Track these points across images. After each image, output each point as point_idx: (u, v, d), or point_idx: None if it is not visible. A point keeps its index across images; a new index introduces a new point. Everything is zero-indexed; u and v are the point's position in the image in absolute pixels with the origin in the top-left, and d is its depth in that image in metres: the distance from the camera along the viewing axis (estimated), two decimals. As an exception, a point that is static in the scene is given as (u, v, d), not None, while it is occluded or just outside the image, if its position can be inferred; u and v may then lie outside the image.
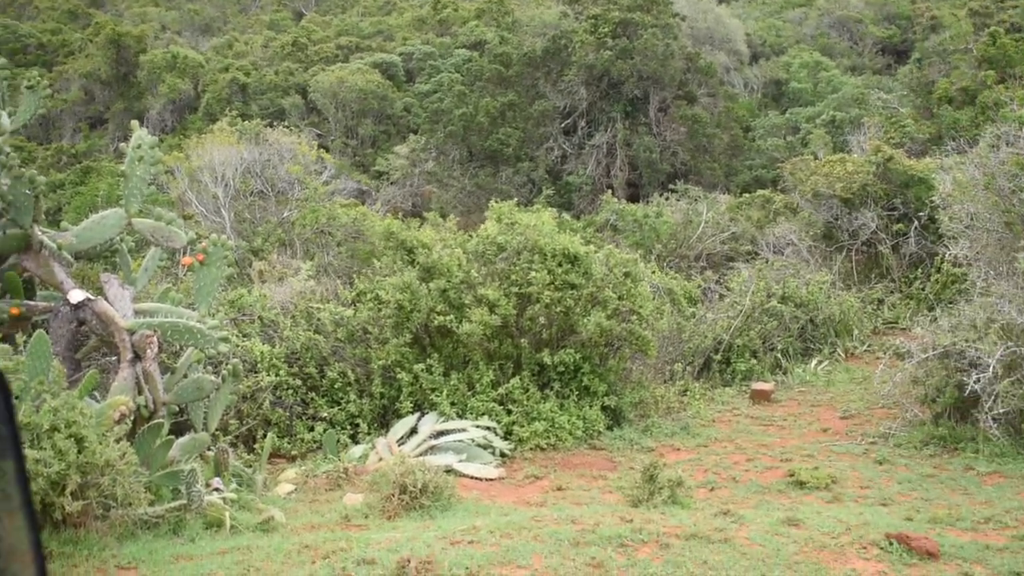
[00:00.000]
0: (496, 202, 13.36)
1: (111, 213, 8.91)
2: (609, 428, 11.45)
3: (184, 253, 10.50)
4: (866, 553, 6.10)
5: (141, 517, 6.77)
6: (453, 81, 36.58)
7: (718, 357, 14.62)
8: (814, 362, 14.90)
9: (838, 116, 30.40)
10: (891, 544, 6.16)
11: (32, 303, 8.71)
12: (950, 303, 13.56)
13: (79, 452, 6.22)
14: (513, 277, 11.56)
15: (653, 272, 15.32)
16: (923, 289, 17.03)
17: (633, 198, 27.45)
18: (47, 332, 7.83)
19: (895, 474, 9.44)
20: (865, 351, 15.55)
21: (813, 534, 6.49)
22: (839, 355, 15.30)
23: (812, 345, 15.53)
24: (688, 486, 8.29)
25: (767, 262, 17.92)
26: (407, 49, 43.71)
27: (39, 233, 8.40)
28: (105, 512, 6.52)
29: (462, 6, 49.31)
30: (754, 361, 14.63)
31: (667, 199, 23.68)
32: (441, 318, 11.30)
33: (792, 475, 9.29)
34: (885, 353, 13.70)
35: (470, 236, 12.63)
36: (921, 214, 17.76)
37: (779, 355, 14.93)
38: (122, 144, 9.37)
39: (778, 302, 15.35)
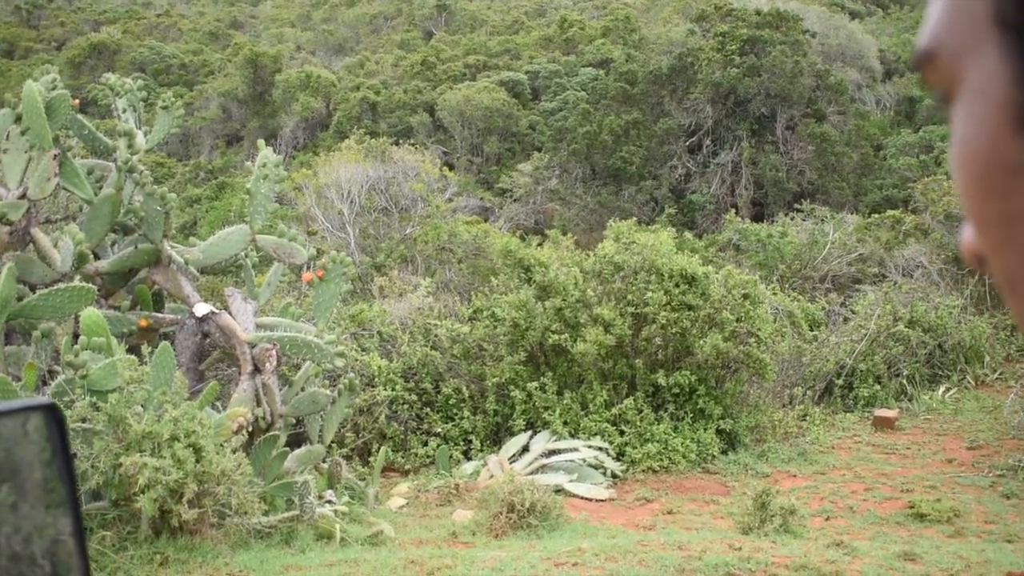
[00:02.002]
0: (616, 221, 13.32)
1: (236, 230, 9.21)
2: (724, 452, 11.27)
3: (306, 269, 10.81)
4: (986, 593, 5.85)
5: (255, 526, 6.96)
6: (578, 99, 36.65)
7: (840, 382, 14.23)
8: (942, 389, 14.36)
9: (974, 134, 29.28)
10: (1013, 584, 5.90)
11: (159, 315, 9.07)
12: (1090, 331, 12.90)
13: (197, 461, 6.44)
14: (629, 297, 11.51)
15: (774, 293, 15.03)
16: (1062, 316, 16.22)
17: (758, 217, 27.00)
18: (172, 343, 8.15)
19: (1023, 510, 9.03)
20: (996, 379, 14.89)
21: (930, 570, 6.25)
22: (968, 383, 14.69)
23: (940, 372, 14.96)
24: (802, 515, 8.08)
25: (895, 285, 17.36)
26: (533, 67, 43.99)
27: (168, 248, 8.74)
28: (220, 520, 6.73)
29: (588, 25, 49.40)
30: (878, 387, 14.17)
31: (792, 219, 23.20)
32: (556, 337, 11.32)
33: (912, 507, 8.97)
34: (1017, 382, 13.15)
35: (588, 255, 12.63)
36: (1062, 237, 16.96)
37: (904, 381, 14.43)
38: (248, 163, 9.69)
39: (905, 326, 14.84)
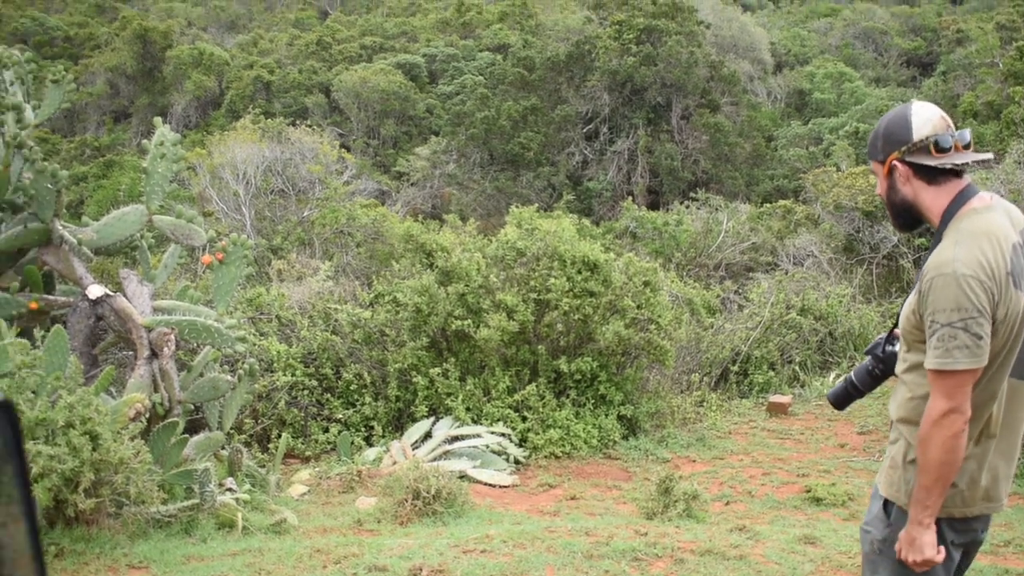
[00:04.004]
0: (516, 207, 13.31)
1: (132, 210, 8.90)
2: (624, 438, 11.38)
3: (204, 251, 10.52)
4: (883, 574, 6.01)
5: (154, 516, 6.75)
6: (476, 84, 36.67)
7: (735, 368, 14.51)
8: (832, 375, 14.76)
9: (861, 128, 30.23)
10: (909, 566, 6.06)
11: (51, 297, 8.72)
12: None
13: (93, 449, 6.21)
14: (532, 283, 11.51)
15: (672, 281, 15.24)
16: (944, 305, 16.84)
17: (653, 205, 27.39)
18: (65, 327, 7.84)
19: (912, 493, 9.33)
20: (884, 366, 15.36)
21: (830, 553, 6.41)
22: (858, 369, 15.13)
23: (831, 358, 15.39)
24: (703, 499, 8.21)
25: (787, 273, 17.80)
26: (430, 50, 43.77)
27: (60, 228, 8.40)
28: (118, 510, 6.51)
29: (486, 9, 49.38)
30: (772, 373, 14.50)
31: (687, 207, 23.59)
32: (459, 322, 11.25)
33: (809, 491, 9.19)
34: (904, 369, 13.56)
35: (489, 240, 12.59)
36: (944, 229, 17.61)
37: (797, 368, 14.80)
38: (144, 141, 9.38)
39: (797, 314, 15.21)
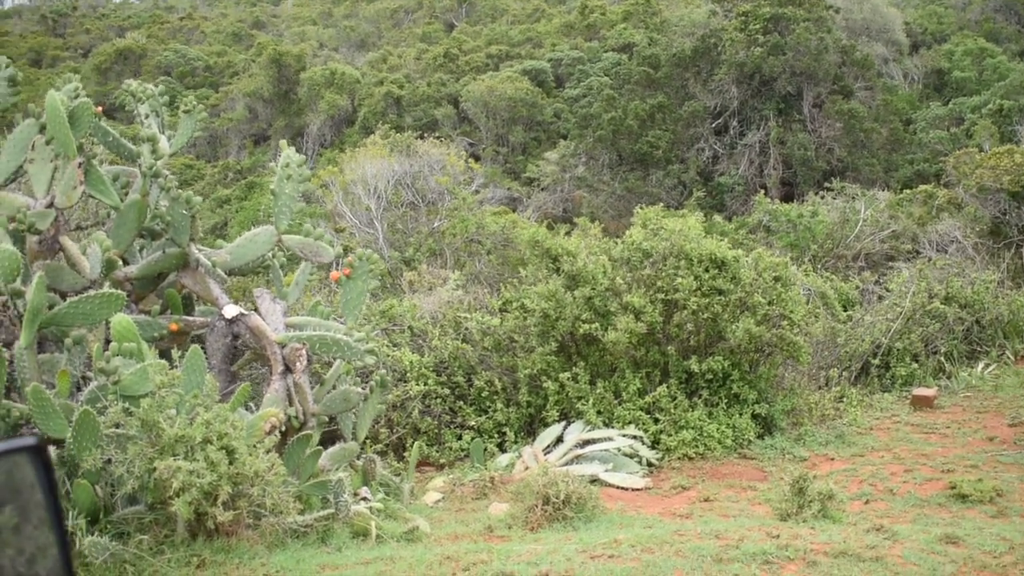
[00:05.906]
0: (643, 207, 13.22)
1: (262, 231, 9.21)
2: (760, 437, 11.17)
3: (333, 267, 10.81)
4: (1031, 574, 5.74)
5: (290, 526, 6.96)
6: (602, 85, 36.58)
7: (876, 361, 14.04)
8: (980, 366, 14.15)
9: (1005, 105, 28.86)
10: (1059, 564, 5.78)
11: (189, 318, 9.09)
12: None
13: (230, 463, 6.44)
14: (659, 283, 11.41)
15: (806, 274, 14.86)
16: (1101, 287, 15.98)
17: (787, 197, 26.75)
18: (203, 346, 8.17)
19: (1068, 487, 8.87)
20: (1037, 353, 14.67)
21: (973, 553, 6.14)
22: (1008, 358, 14.46)
23: (978, 348, 14.74)
24: (840, 499, 7.97)
25: (929, 261, 17.14)
26: (556, 55, 43.90)
27: (195, 251, 8.75)
28: (256, 521, 6.74)
29: (609, 9, 49.20)
30: (915, 365, 13.97)
31: (823, 198, 22.95)
32: (586, 326, 11.24)
33: (954, 487, 8.81)
34: (1059, 356, 12.93)
35: (616, 242, 12.54)
36: (1098, 207, 16.70)
37: (942, 359, 14.24)
38: (272, 164, 9.70)
39: (941, 303, 14.63)
